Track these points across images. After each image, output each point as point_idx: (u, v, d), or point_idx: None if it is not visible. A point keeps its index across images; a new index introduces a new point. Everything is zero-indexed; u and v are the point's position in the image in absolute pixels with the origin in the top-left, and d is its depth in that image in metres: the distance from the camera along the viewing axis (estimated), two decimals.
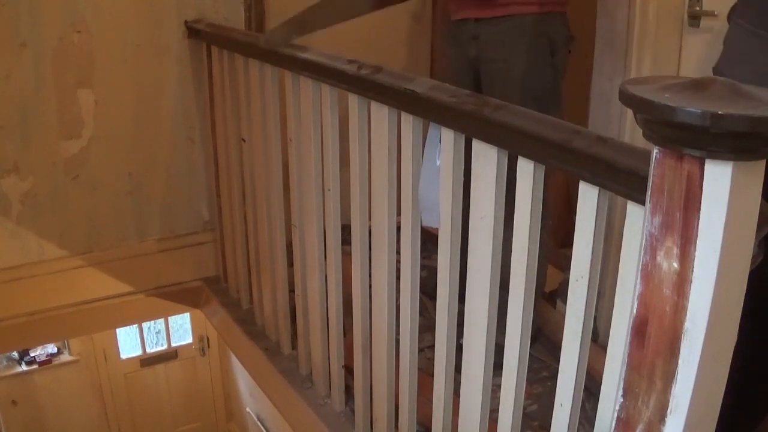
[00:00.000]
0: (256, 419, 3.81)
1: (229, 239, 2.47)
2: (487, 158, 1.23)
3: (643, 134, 0.78)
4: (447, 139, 1.32)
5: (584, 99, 2.23)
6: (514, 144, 1.18)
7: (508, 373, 1.27)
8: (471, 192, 1.29)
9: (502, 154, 1.21)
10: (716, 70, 1.47)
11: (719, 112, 0.67)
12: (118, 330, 4.60)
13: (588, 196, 1.05)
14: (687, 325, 0.78)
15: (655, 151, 0.77)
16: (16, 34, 2.15)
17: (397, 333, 1.61)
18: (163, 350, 4.95)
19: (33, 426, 4.52)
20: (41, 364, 4.52)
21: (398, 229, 1.54)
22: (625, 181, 0.96)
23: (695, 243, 0.75)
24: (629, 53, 1.99)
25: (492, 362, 1.35)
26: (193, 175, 2.55)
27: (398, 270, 1.57)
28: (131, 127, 2.41)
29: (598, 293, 1.12)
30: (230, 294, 2.58)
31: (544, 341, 2.22)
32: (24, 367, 4.50)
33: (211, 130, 2.43)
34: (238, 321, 2.44)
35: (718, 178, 0.72)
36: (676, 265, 0.77)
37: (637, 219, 0.95)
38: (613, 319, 1.02)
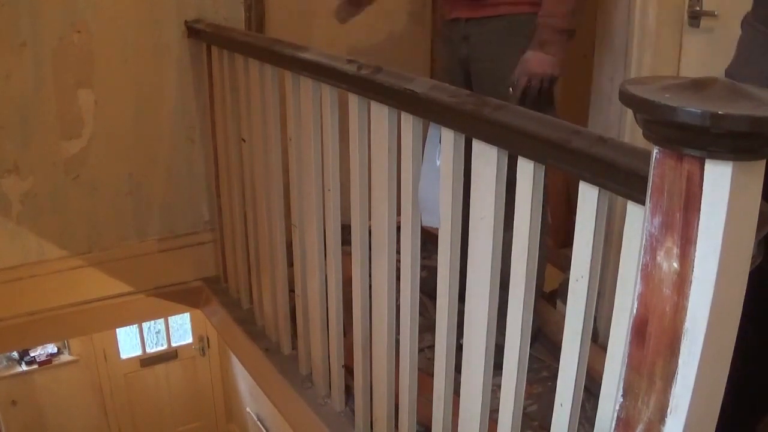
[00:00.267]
0: (256, 419, 3.81)
1: (229, 239, 2.47)
2: (487, 158, 1.23)
3: (643, 134, 0.78)
4: (447, 139, 1.32)
5: (584, 99, 2.23)
6: (514, 144, 1.18)
7: (508, 373, 1.27)
8: (471, 192, 1.29)
9: (502, 154, 1.21)
10: (727, 72, 1.47)
11: (719, 112, 0.67)
12: (118, 330, 4.60)
13: (588, 196, 1.05)
14: (687, 325, 0.78)
15: (655, 151, 0.77)
16: (16, 34, 2.15)
17: (397, 333, 1.61)
18: (163, 350, 4.95)
19: (33, 426, 4.52)
20: (41, 364, 4.52)
21: (398, 229, 1.54)
22: (625, 181, 0.96)
23: (695, 243, 0.75)
24: (629, 53, 1.99)
25: (492, 362, 1.35)
26: (193, 175, 2.55)
27: (398, 270, 1.57)
28: (131, 127, 2.41)
29: (598, 293, 1.12)
30: (230, 294, 2.57)
31: (544, 341, 2.22)
32: (24, 367, 4.50)
33: (211, 130, 2.43)
34: (238, 321, 2.44)
35: (718, 178, 0.72)
36: (676, 265, 0.77)
37: (637, 219, 0.95)
38: (613, 319, 1.02)
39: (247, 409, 4.03)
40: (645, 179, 0.79)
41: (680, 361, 0.79)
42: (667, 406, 0.82)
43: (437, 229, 1.40)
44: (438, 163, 1.37)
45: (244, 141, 2.17)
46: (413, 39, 2.88)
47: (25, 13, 2.15)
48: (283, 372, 2.15)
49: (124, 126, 2.39)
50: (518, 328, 1.24)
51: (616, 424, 0.89)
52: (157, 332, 4.94)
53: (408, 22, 2.84)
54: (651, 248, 0.79)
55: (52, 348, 4.56)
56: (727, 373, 0.83)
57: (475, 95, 1.29)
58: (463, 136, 1.29)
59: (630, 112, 0.83)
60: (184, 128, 2.49)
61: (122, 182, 2.45)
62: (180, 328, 4.96)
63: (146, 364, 4.88)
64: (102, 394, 4.73)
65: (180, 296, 2.65)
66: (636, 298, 0.83)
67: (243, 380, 4.04)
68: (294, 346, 2.18)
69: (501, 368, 1.29)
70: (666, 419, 0.82)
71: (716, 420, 0.85)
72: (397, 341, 1.62)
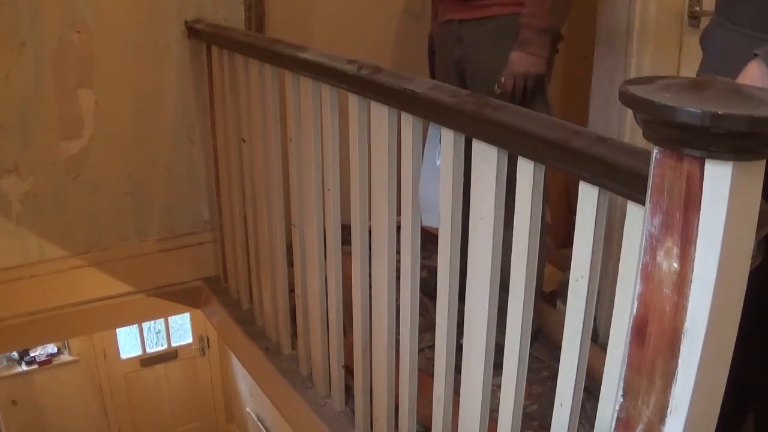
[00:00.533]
0: (256, 419, 3.81)
1: (229, 239, 2.47)
2: (487, 158, 1.23)
3: (643, 134, 0.78)
4: (447, 139, 1.32)
5: (584, 99, 2.23)
6: (514, 144, 1.18)
7: (508, 373, 1.27)
8: (471, 192, 1.29)
9: (502, 154, 1.21)
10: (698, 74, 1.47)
11: (719, 112, 0.67)
12: (118, 330, 4.60)
13: (588, 196, 1.05)
14: (687, 325, 0.78)
15: (655, 151, 0.77)
16: (16, 34, 2.15)
17: (397, 333, 1.61)
18: (163, 350, 4.95)
19: (33, 426, 4.52)
20: (41, 364, 4.52)
21: (398, 229, 1.54)
22: (625, 181, 0.96)
23: (695, 243, 0.75)
24: (629, 53, 1.99)
25: (492, 362, 1.35)
26: (193, 175, 2.55)
27: (398, 270, 1.57)
28: (131, 127, 2.41)
29: (598, 293, 1.12)
30: (230, 294, 2.57)
31: (544, 341, 2.22)
32: (24, 367, 4.50)
33: (211, 130, 2.43)
34: (238, 321, 2.44)
35: (718, 178, 0.72)
36: (676, 265, 0.77)
37: (637, 219, 0.95)
38: (613, 319, 1.02)
39: (247, 409, 4.03)
40: (645, 179, 0.79)
41: (680, 361, 0.79)
42: (667, 406, 0.82)
43: (437, 229, 1.40)
44: (438, 163, 1.37)
45: (244, 141, 2.17)
46: (413, 39, 2.88)
47: (25, 13, 2.15)
48: (283, 372, 2.15)
49: (124, 126, 2.39)
50: (518, 328, 1.24)
51: (616, 424, 0.89)
52: (157, 332, 4.94)
53: (408, 22, 2.84)
54: (651, 248, 0.79)
55: (52, 348, 4.56)
56: (727, 373, 0.83)
57: (475, 95, 1.29)
58: (463, 136, 1.29)
59: (630, 112, 0.83)
60: (184, 128, 2.48)
61: (122, 182, 2.45)
62: (180, 328, 4.97)
63: (146, 364, 4.88)
64: (102, 394, 4.74)
65: (180, 296, 2.65)
66: (636, 298, 0.83)
67: (243, 380, 4.04)
68: (294, 346, 2.18)
69: (501, 368, 1.29)
70: (666, 419, 0.82)
71: (716, 420, 0.85)
72: (397, 341, 1.62)
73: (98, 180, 2.40)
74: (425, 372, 1.74)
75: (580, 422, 1.20)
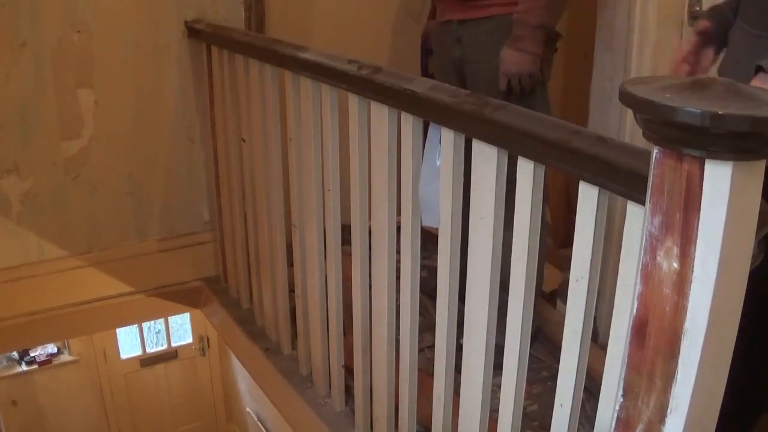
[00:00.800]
0: (256, 419, 3.81)
1: (229, 239, 2.47)
2: (487, 158, 1.23)
3: (643, 134, 0.78)
4: (447, 139, 1.32)
5: (584, 99, 2.23)
6: (514, 144, 1.18)
7: (508, 373, 1.27)
8: (471, 192, 1.29)
9: (502, 154, 1.21)
10: (719, 72, 1.47)
11: (719, 112, 0.67)
12: (118, 330, 4.60)
13: (588, 196, 1.05)
14: (687, 325, 0.78)
15: (655, 151, 0.77)
16: (16, 34, 2.15)
17: (397, 333, 1.61)
18: (163, 350, 4.95)
19: (33, 426, 4.52)
20: (41, 364, 4.52)
21: (398, 229, 1.54)
22: (625, 181, 0.96)
23: (695, 243, 0.75)
24: (629, 53, 1.99)
25: (492, 362, 1.35)
26: (193, 175, 2.55)
27: (398, 270, 1.57)
28: (131, 127, 2.41)
29: (598, 293, 1.12)
30: (230, 294, 2.58)
31: (544, 341, 2.22)
32: (24, 367, 4.50)
33: (211, 130, 2.43)
34: (238, 321, 2.44)
35: (718, 178, 0.72)
36: (676, 265, 0.77)
37: (637, 219, 0.95)
38: (613, 319, 1.02)
39: (247, 409, 4.03)
40: (645, 179, 0.79)
41: (680, 361, 0.79)
42: (667, 406, 0.82)
43: (437, 229, 1.40)
44: (438, 163, 1.37)
45: (244, 141, 2.17)
46: (413, 39, 2.88)
47: (25, 13, 2.15)
48: (283, 372, 2.15)
49: (124, 126, 2.39)
50: (518, 328, 1.24)
51: (616, 424, 0.89)
52: (157, 332, 4.94)
53: (408, 22, 2.84)
54: (651, 248, 0.79)
55: (52, 348, 4.56)
56: (727, 373, 0.83)
57: (475, 95, 1.29)
58: (463, 136, 1.29)
59: (630, 112, 0.83)
60: (184, 128, 2.49)
61: (122, 182, 2.45)
62: (180, 328, 4.97)
63: (146, 364, 4.88)
64: (102, 394, 4.74)
65: (180, 296, 2.65)
66: (636, 298, 0.83)
67: (243, 380, 4.04)
68: (294, 346, 2.18)
69: (501, 368, 1.29)
70: (666, 419, 0.82)
71: (716, 420, 0.85)
72: (397, 341, 1.62)
73: (98, 180, 2.41)
74: (425, 372, 1.74)
75: (580, 422, 1.20)
